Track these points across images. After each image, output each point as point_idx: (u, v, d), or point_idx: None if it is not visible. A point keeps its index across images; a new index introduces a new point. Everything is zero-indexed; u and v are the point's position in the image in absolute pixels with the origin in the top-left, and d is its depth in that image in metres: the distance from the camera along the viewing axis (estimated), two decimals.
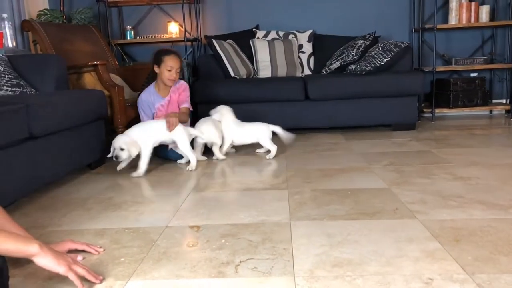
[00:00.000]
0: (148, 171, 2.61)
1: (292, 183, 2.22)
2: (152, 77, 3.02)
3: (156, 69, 2.90)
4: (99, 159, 2.78)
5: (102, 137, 2.78)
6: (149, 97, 2.95)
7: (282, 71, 4.00)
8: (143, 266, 1.36)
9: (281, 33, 4.22)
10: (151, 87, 2.98)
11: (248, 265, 1.33)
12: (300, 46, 4.17)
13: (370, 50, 3.76)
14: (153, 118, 2.92)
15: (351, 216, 1.71)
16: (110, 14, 4.51)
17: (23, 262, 1.40)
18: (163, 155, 2.93)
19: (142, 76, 3.74)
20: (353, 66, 3.73)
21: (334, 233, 1.54)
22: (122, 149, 2.49)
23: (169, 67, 2.85)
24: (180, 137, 2.65)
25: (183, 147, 2.67)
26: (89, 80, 2.97)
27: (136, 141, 2.53)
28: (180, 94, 3.01)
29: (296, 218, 1.71)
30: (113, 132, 3.00)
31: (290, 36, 4.20)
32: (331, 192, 2.03)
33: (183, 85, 3.03)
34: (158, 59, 2.88)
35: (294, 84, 3.60)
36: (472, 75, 4.37)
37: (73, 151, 2.42)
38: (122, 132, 2.92)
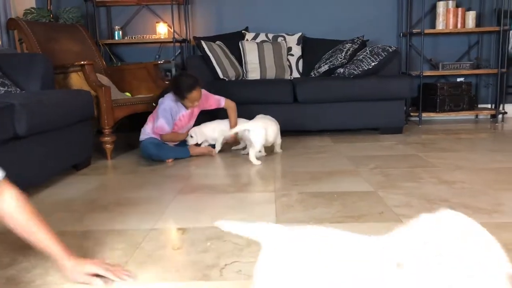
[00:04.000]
0: (134, 172, 2.59)
1: (280, 185, 2.22)
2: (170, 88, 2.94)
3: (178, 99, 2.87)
4: (85, 160, 2.75)
5: (89, 138, 2.75)
6: (174, 104, 2.91)
7: (271, 74, 4.01)
8: (127, 268, 1.34)
9: (270, 36, 4.23)
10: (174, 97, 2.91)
11: (233, 268, 1.32)
12: (289, 49, 4.18)
13: (358, 54, 3.78)
14: (172, 127, 2.92)
15: (337, 219, 1.71)
16: (98, 13, 4.48)
17: (5, 265, 1.38)
18: (152, 154, 2.91)
19: (130, 77, 3.72)
20: (341, 70, 3.75)
21: None
22: None
23: (194, 100, 2.86)
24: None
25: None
26: (76, 80, 2.94)
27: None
28: (205, 104, 3.02)
29: (283, 221, 1.71)
30: (99, 132, 2.98)
31: (279, 39, 4.20)
32: (318, 195, 2.04)
33: (202, 95, 2.94)
34: (181, 95, 2.83)
35: (282, 86, 3.61)
36: (458, 79, 4.43)
37: (58, 152, 2.39)
38: (108, 133, 2.91)
